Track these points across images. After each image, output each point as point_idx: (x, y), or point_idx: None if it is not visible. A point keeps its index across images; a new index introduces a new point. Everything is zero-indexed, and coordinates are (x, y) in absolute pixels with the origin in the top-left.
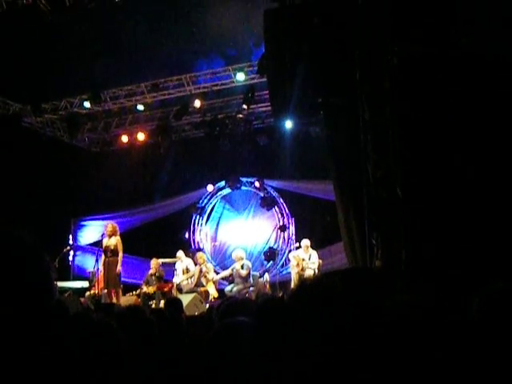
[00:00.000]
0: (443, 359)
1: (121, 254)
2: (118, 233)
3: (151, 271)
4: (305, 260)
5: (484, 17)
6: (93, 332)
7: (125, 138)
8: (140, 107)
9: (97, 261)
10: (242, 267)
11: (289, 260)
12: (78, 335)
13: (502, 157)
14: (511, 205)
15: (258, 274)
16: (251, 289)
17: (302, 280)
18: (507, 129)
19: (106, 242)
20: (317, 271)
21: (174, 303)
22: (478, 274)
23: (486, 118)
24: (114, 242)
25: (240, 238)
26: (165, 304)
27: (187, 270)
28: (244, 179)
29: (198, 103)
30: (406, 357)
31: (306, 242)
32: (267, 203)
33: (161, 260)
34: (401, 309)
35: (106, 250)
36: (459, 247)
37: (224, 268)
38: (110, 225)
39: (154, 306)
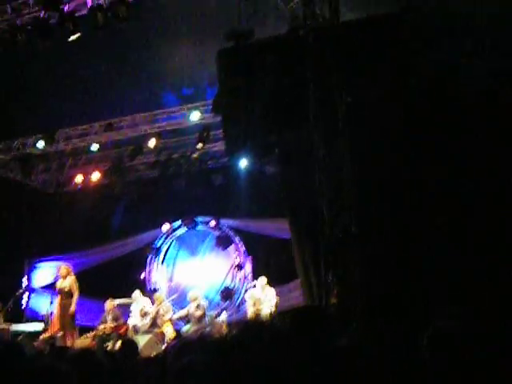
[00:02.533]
0: None
1: (76, 295)
2: (72, 274)
3: (106, 313)
4: (261, 299)
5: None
6: (42, 377)
7: (79, 179)
8: (94, 147)
9: (51, 303)
10: (198, 307)
11: (245, 299)
12: (26, 379)
13: (453, 191)
14: (463, 240)
15: (214, 314)
16: (207, 329)
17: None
18: (456, 163)
19: (59, 283)
20: (274, 309)
21: (129, 345)
22: (432, 308)
23: (434, 153)
24: (68, 283)
25: (196, 277)
26: (120, 346)
27: (143, 311)
28: (199, 219)
29: (152, 143)
30: None
31: (261, 280)
32: (223, 242)
33: (116, 301)
34: (351, 351)
35: (61, 292)
36: (414, 284)
37: (181, 308)
38: (62, 266)
39: (109, 347)
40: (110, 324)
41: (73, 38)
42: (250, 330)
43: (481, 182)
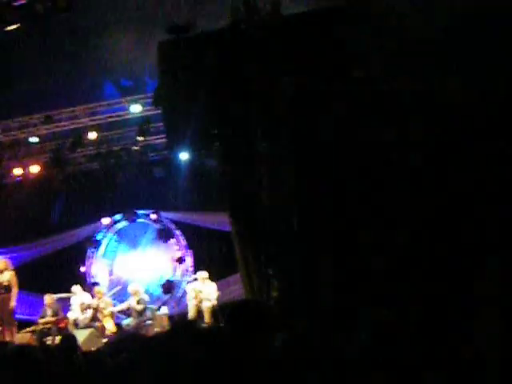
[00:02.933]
0: None
1: (15, 290)
2: (11, 268)
3: (46, 307)
4: (202, 292)
5: (375, 51)
6: None
7: (18, 171)
8: (33, 139)
9: None
10: (139, 301)
11: (186, 292)
12: None
13: (399, 186)
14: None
15: (155, 307)
16: (148, 322)
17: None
18: (400, 154)
19: None
20: (215, 303)
21: (69, 339)
22: (368, 301)
23: (380, 147)
24: (6, 277)
25: (137, 271)
26: (59, 340)
27: (84, 305)
28: (140, 211)
29: (92, 135)
30: None
31: (202, 274)
32: (163, 235)
33: (56, 295)
34: (288, 348)
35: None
36: (353, 277)
37: (122, 302)
38: (1, 261)
39: (49, 342)
40: (49, 318)
41: (11, 27)
42: (177, 328)
43: (425, 173)
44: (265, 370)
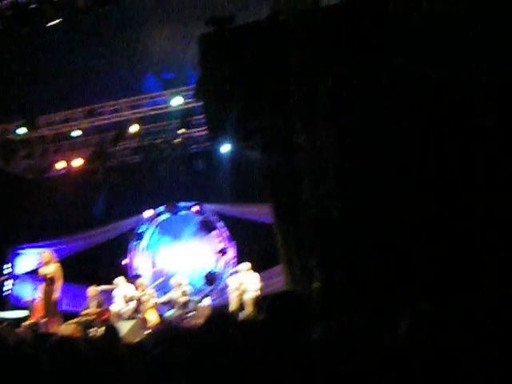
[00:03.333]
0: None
1: (60, 282)
2: (55, 260)
3: (89, 299)
4: (244, 284)
5: (413, 38)
6: (22, 365)
7: (61, 165)
8: (76, 133)
9: (34, 289)
10: (182, 293)
11: (228, 284)
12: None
13: (440, 177)
14: (447, 226)
15: (198, 298)
16: (191, 314)
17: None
18: (446, 145)
19: (43, 270)
20: (258, 293)
21: (111, 331)
22: (412, 294)
23: (422, 136)
24: (51, 269)
25: (179, 263)
26: (102, 332)
27: (126, 297)
28: (182, 204)
29: (134, 128)
30: None
31: (245, 265)
32: (206, 227)
33: (99, 288)
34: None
35: (44, 279)
36: (396, 268)
37: (165, 294)
38: (46, 253)
39: (92, 334)
40: (93, 310)
41: (52, 23)
42: (214, 320)
43: (470, 173)
44: (302, 359)
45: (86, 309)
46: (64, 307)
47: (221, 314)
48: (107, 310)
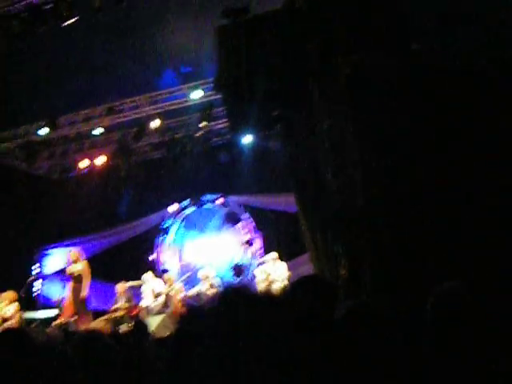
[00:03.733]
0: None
1: (87, 280)
2: (83, 258)
3: (118, 296)
4: (271, 274)
5: (431, 22)
6: (49, 361)
7: (84, 163)
8: (97, 131)
9: (63, 288)
10: (210, 286)
11: (255, 276)
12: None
13: (461, 160)
14: (470, 209)
15: None
16: None
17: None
18: (467, 131)
19: (70, 269)
20: (286, 283)
21: (140, 326)
22: (439, 276)
23: (444, 121)
24: (78, 268)
25: (206, 256)
26: (131, 328)
27: (155, 292)
28: (207, 197)
29: (155, 124)
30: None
31: (272, 255)
32: (231, 219)
33: (128, 284)
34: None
35: (72, 277)
36: (421, 254)
37: (193, 287)
38: (73, 252)
39: (123, 330)
40: (122, 306)
41: (68, 22)
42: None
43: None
44: (324, 338)
45: (115, 305)
46: (93, 305)
47: (234, 291)
48: (136, 306)
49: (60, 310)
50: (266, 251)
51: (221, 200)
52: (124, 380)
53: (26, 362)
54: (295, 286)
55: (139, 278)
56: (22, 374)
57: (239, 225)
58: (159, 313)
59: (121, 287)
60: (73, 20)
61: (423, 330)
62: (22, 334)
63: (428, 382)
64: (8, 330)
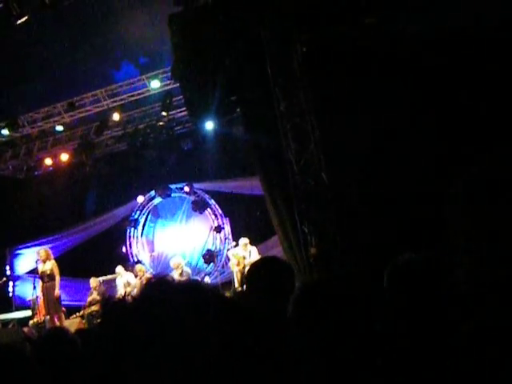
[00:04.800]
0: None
1: (58, 278)
2: (52, 257)
3: (92, 291)
4: (245, 258)
5: None
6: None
7: (49, 161)
8: (59, 128)
9: (34, 288)
10: (181, 274)
11: (228, 259)
12: None
13: (416, 134)
14: (428, 183)
15: (198, 278)
16: None
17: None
18: (423, 105)
19: (41, 267)
20: None
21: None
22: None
23: (400, 93)
24: (49, 266)
25: (177, 244)
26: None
27: (128, 285)
28: (173, 186)
29: (116, 116)
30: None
31: (243, 240)
32: (199, 206)
33: (101, 278)
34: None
35: (43, 276)
36: (389, 226)
37: None
38: (42, 250)
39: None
40: (96, 299)
41: (21, 21)
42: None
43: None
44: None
45: (89, 301)
46: (67, 302)
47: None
48: (110, 299)
49: (35, 310)
50: (235, 236)
51: (187, 188)
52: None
53: None
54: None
55: (113, 272)
56: None
57: (207, 211)
58: None
59: (94, 281)
60: (25, 18)
61: (380, 304)
62: None
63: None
64: None
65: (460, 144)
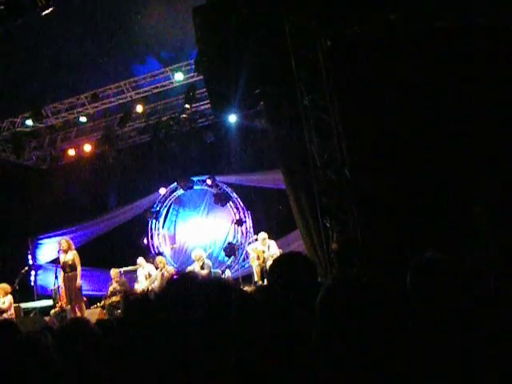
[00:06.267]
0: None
1: (79, 268)
2: (74, 247)
3: (113, 281)
4: (265, 252)
5: None
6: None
7: (72, 152)
8: (83, 119)
9: (56, 277)
10: (202, 267)
11: (248, 254)
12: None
13: (442, 131)
14: (453, 180)
15: (219, 271)
16: None
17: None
18: (449, 102)
19: (62, 257)
20: None
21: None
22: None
23: (424, 90)
24: (70, 256)
25: (198, 237)
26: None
27: (149, 276)
28: (195, 178)
29: (140, 108)
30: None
31: (262, 234)
32: (221, 199)
33: (122, 269)
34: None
35: (64, 266)
36: (411, 222)
37: (186, 268)
38: (63, 240)
39: (119, 315)
40: (116, 288)
41: (46, 12)
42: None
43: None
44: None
45: (110, 291)
46: (88, 292)
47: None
48: (131, 290)
49: (55, 299)
50: (256, 229)
51: (209, 181)
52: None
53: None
54: (270, 267)
55: (134, 263)
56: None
57: (229, 204)
58: None
59: (114, 272)
60: (51, 9)
61: (404, 301)
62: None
63: (407, 354)
64: None
65: (487, 141)
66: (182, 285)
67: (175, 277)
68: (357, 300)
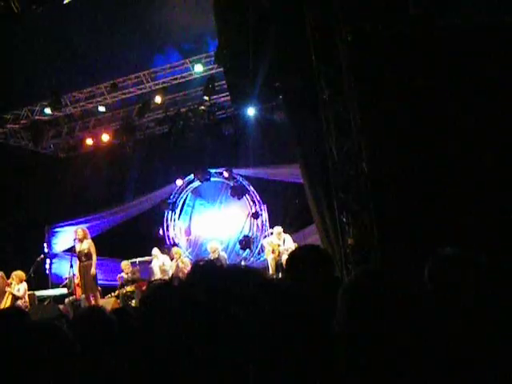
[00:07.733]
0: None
1: (94, 257)
2: (89, 236)
3: (123, 273)
4: (280, 246)
5: None
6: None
7: (90, 141)
8: (101, 108)
9: (71, 266)
10: (218, 259)
11: (263, 247)
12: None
13: (461, 128)
14: (472, 175)
15: (235, 263)
16: None
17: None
18: (467, 98)
19: (78, 247)
20: None
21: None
22: (444, 242)
23: (444, 87)
24: (86, 246)
25: (214, 229)
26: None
27: (163, 267)
28: (212, 170)
29: (158, 99)
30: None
31: (277, 228)
32: (237, 192)
33: (137, 259)
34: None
35: (80, 255)
36: (427, 218)
37: None
38: (79, 230)
39: (134, 304)
40: (129, 278)
41: (67, 0)
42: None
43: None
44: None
45: (124, 281)
46: (103, 281)
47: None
48: (145, 281)
49: (70, 288)
50: (272, 223)
51: (227, 173)
52: (125, 352)
53: (21, 339)
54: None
55: (149, 253)
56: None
57: (246, 197)
58: None
59: (124, 265)
60: None
61: (422, 296)
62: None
63: (428, 348)
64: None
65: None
66: (209, 271)
67: (201, 263)
68: (387, 290)
